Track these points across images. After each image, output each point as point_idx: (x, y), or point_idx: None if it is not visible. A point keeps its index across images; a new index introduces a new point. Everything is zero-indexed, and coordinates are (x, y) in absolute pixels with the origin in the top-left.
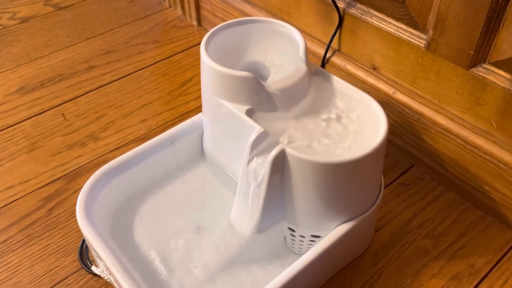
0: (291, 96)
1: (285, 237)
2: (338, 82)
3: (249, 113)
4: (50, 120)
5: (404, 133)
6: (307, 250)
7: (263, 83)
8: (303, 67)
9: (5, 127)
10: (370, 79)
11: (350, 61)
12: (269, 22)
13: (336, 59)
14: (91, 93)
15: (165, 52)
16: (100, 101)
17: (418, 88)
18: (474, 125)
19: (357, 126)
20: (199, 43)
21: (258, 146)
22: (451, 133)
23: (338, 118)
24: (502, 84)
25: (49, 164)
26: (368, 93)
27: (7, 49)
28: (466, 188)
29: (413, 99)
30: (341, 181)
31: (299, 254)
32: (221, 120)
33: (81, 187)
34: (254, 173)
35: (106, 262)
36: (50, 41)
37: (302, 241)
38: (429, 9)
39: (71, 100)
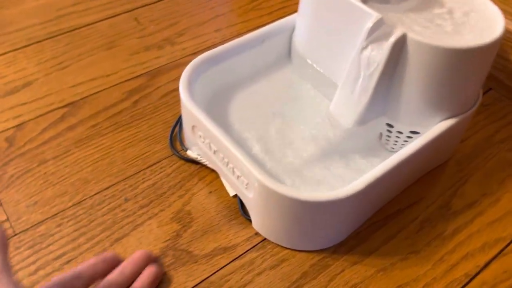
0: None
1: (381, 133)
2: None
3: (363, 1)
4: (124, 23)
5: None
6: (401, 149)
7: None
8: None
9: (80, 26)
10: None
11: None
12: None
13: None
14: (162, 1)
15: None
16: (173, 9)
17: (508, 5)
18: None
19: (472, 24)
20: None
21: (374, 33)
22: None
23: (451, 12)
24: None
25: (129, 61)
26: None
27: None
28: None
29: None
30: (458, 70)
31: (392, 152)
32: (325, 9)
33: (163, 85)
34: (367, 60)
35: (214, 136)
36: None
37: (399, 137)
38: None
39: (143, 6)
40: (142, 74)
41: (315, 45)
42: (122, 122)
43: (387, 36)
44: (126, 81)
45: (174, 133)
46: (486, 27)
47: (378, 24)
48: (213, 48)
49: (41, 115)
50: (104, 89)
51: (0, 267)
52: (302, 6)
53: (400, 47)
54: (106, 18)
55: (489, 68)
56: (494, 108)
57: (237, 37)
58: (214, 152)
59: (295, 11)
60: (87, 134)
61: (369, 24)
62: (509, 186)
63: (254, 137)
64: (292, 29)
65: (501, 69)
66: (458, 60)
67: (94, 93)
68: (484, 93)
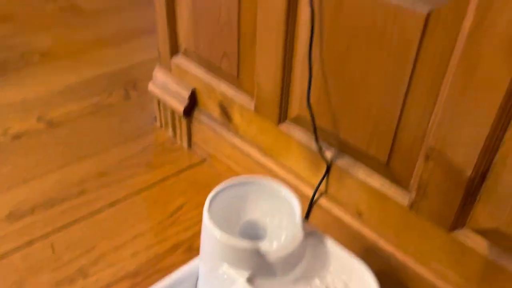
0: (289, 262)
1: None
2: (331, 245)
3: (249, 280)
4: (39, 253)
5: (389, 282)
6: None
7: (263, 251)
8: (299, 235)
9: None
10: (356, 224)
11: (336, 204)
12: (267, 184)
13: (323, 201)
14: (82, 221)
15: (156, 176)
16: (91, 231)
17: (402, 240)
18: (457, 283)
19: None
20: (190, 167)
21: None
22: (434, 287)
23: (332, 283)
24: (480, 251)
25: None
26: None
27: None
28: None
29: (398, 249)
30: None
31: None
32: (219, 281)
33: None
34: None
35: None
36: (42, 160)
37: None
38: (411, 174)
39: (61, 228)
40: None
41: None
42: None
43: None
44: None
45: None
46: None
47: None
48: (127, 278)
49: None
50: None
51: None
52: (201, 265)
53: None
54: (22, 247)
55: None
56: None
57: (153, 261)
58: None
59: None
60: None
61: None
62: None
63: None
64: (197, 277)
65: None
66: None
67: None
68: None
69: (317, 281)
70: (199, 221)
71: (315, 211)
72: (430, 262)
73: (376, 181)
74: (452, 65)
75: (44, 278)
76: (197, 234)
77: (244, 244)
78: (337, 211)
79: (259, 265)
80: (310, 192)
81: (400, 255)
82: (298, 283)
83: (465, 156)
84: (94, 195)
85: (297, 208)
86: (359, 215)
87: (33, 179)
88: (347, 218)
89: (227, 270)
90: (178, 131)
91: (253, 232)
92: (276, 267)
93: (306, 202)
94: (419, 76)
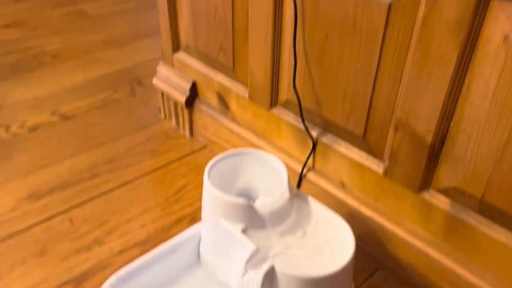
0: (277, 217)
1: None
2: (314, 205)
3: (244, 231)
4: (58, 226)
5: (370, 241)
6: None
7: (254, 206)
8: (286, 194)
9: (17, 232)
10: (339, 194)
11: (322, 177)
12: (259, 154)
13: (310, 175)
14: (95, 199)
15: (161, 161)
16: (104, 207)
17: (380, 204)
18: (426, 237)
19: (330, 242)
20: (192, 153)
21: (252, 261)
22: (408, 243)
23: (315, 235)
24: (444, 207)
25: (59, 267)
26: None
27: (17, 157)
28: None
29: (376, 213)
30: None
31: None
32: (219, 234)
33: None
34: (247, 283)
35: None
36: (57, 149)
37: None
38: (384, 145)
39: (77, 206)
40: (69, 280)
41: (215, 258)
42: None
43: (262, 261)
44: None
45: None
46: (339, 250)
47: (254, 254)
48: (138, 246)
49: None
50: None
51: None
52: (205, 224)
53: (271, 273)
54: (43, 222)
55: (351, 277)
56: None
57: (161, 231)
58: None
59: None
60: None
61: (247, 255)
62: None
63: None
64: (199, 237)
65: (381, 254)
66: (319, 285)
67: None
68: (372, 274)
69: (300, 232)
70: (201, 198)
71: (304, 184)
72: (404, 222)
73: (355, 154)
74: (411, 47)
75: (64, 246)
76: (199, 209)
77: (239, 200)
78: (323, 183)
79: (251, 219)
80: (299, 168)
81: (378, 218)
82: (285, 234)
83: (426, 124)
84: (105, 178)
85: (283, 172)
86: (342, 185)
87: (49, 165)
88: (332, 189)
89: (224, 224)
90: (180, 121)
91: (246, 196)
92: (266, 220)
93: (296, 177)
94: (386, 58)
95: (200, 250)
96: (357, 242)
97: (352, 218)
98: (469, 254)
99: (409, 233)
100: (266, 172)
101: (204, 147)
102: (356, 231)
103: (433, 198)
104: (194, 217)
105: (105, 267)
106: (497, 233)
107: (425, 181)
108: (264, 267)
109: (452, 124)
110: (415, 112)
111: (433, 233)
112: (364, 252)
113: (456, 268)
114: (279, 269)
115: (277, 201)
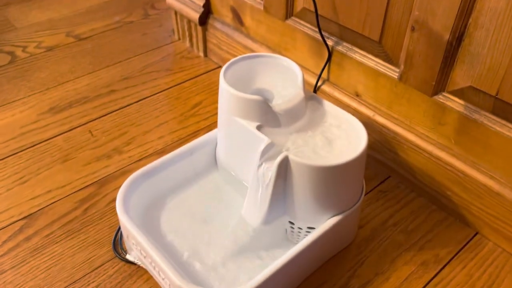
0: (292, 115)
1: (286, 229)
2: (328, 105)
3: (259, 128)
4: (79, 136)
5: (382, 149)
6: None
7: (270, 104)
8: (301, 93)
9: (40, 141)
10: (354, 104)
11: (337, 89)
12: (274, 57)
13: (325, 87)
14: (114, 113)
15: (176, 79)
16: (122, 120)
17: (393, 111)
18: (437, 141)
19: (344, 139)
20: (206, 72)
21: (266, 154)
22: (419, 148)
23: (329, 132)
24: (458, 109)
25: (81, 172)
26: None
27: (36, 74)
28: (432, 194)
29: (389, 120)
30: (331, 181)
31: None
32: (234, 133)
33: (110, 192)
34: (262, 176)
35: (142, 246)
36: (74, 67)
37: (300, 232)
38: (400, 49)
39: (96, 119)
40: (92, 183)
41: (231, 157)
42: (74, 229)
43: (276, 155)
44: (78, 191)
45: (117, 238)
46: (353, 145)
47: (269, 147)
48: (156, 154)
49: (2, 228)
50: (58, 200)
51: None
52: (220, 125)
53: (285, 165)
54: (64, 132)
55: (363, 171)
56: (392, 195)
57: (177, 143)
58: (144, 257)
59: None
60: (41, 243)
61: (262, 147)
62: (398, 264)
63: (180, 243)
64: (216, 143)
65: (393, 160)
66: (330, 175)
67: (50, 204)
68: (384, 180)
69: (315, 130)
70: (217, 113)
71: (319, 95)
72: (416, 127)
73: (371, 61)
74: None
75: (86, 154)
76: (215, 123)
77: (254, 97)
78: (338, 95)
79: (266, 117)
80: (314, 81)
81: (391, 125)
82: (299, 132)
83: (444, 21)
84: (122, 94)
85: (299, 74)
86: (356, 95)
87: (67, 82)
88: (346, 99)
89: (240, 121)
90: (194, 41)
91: (262, 97)
92: (281, 119)
93: (311, 89)
94: None
95: (217, 152)
96: (370, 151)
97: (366, 127)
98: (480, 155)
99: (421, 138)
100: (281, 75)
101: (219, 66)
102: (369, 139)
103: (447, 100)
104: (210, 130)
105: (126, 172)
106: (509, 131)
107: (440, 84)
108: (279, 158)
109: (470, 20)
110: (433, 9)
111: (445, 136)
112: (376, 160)
113: (466, 169)
114: (293, 159)
115: (292, 99)
